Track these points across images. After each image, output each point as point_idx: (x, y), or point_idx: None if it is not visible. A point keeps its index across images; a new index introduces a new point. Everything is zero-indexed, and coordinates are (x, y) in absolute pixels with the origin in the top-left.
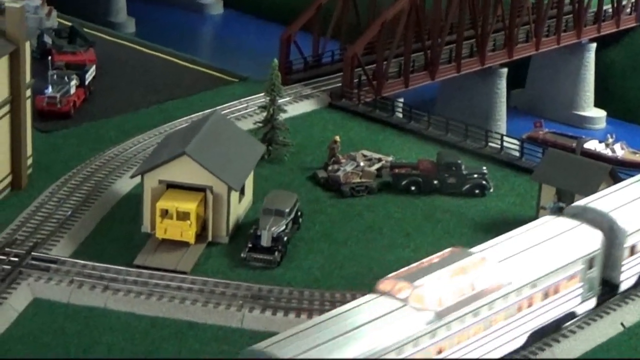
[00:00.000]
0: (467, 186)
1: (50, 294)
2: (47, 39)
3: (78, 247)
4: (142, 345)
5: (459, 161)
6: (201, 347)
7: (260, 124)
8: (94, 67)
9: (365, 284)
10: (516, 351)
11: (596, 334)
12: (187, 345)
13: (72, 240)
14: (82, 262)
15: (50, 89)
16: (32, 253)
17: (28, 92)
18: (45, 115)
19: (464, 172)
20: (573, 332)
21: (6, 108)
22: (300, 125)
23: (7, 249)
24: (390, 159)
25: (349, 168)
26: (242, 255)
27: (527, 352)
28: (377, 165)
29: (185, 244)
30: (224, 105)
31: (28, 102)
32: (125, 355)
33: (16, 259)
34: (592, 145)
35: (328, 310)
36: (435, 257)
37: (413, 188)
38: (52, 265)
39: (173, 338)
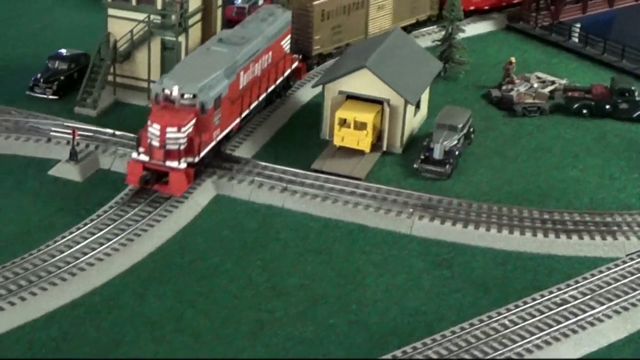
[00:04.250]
0: (639, 112)
1: (232, 191)
2: None
3: (260, 149)
4: (315, 243)
5: (633, 87)
6: (370, 249)
7: (439, 42)
8: None
9: (532, 201)
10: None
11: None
12: (358, 247)
13: (254, 143)
14: (263, 163)
15: (239, 0)
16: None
17: (219, 2)
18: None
19: (637, 99)
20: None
21: (198, 16)
22: (476, 45)
23: None
24: (563, 82)
25: (522, 89)
26: (414, 166)
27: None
28: (550, 88)
29: (360, 153)
30: None
31: (219, 12)
32: (299, 251)
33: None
34: None
35: (495, 223)
36: None
37: (585, 111)
38: (235, 165)
39: (345, 239)
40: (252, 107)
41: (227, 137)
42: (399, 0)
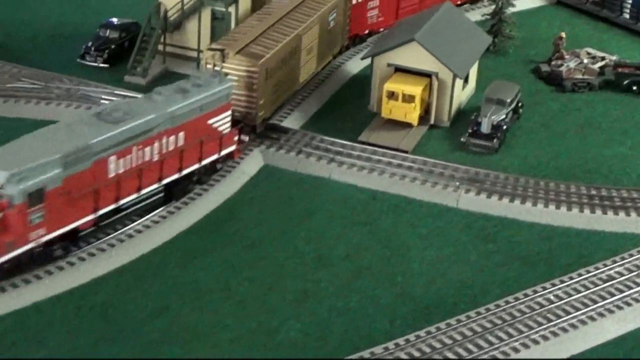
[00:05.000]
0: None
1: (279, 161)
2: None
3: (308, 120)
4: (361, 214)
5: None
6: (417, 221)
7: (488, 16)
8: None
9: (579, 176)
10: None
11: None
12: (404, 219)
13: (302, 113)
14: (311, 134)
15: None
16: (266, 123)
17: None
18: None
19: None
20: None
21: None
22: (526, 20)
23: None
24: (614, 58)
25: (572, 64)
26: (462, 139)
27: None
28: (600, 64)
29: (408, 125)
30: None
31: None
32: (345, 222)
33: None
34: None
35: (542, 198)
36: None
37: (635, 88)
38: (283, 136)
39: (391, 211)
40: (124, 201)
41: (70, 237)
42: (321, 39)
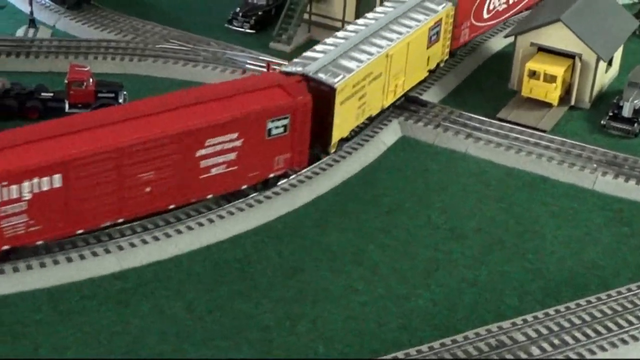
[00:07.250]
0: None
1: (417, 133)
2: None
3: (447, 95)
4: (495, 190)
5: None
6: (551, 201)
7: (637, 0)
8: None
9: None
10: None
11: None
12: (538, 197)
13: (442, 88)
14: (450, 108)
15: None
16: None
17: None
18: None
19: None
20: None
21: None
22: None
23: None
24: None
25: None
26: (601, 122)
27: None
28: None
29: (547, 105)
30: None
31: None
32: (479, 196)
33: None
34: None
35: None
36: None
37: None
38: (422, 109)
39: (526, 188)
40: None
41: None
42: None
